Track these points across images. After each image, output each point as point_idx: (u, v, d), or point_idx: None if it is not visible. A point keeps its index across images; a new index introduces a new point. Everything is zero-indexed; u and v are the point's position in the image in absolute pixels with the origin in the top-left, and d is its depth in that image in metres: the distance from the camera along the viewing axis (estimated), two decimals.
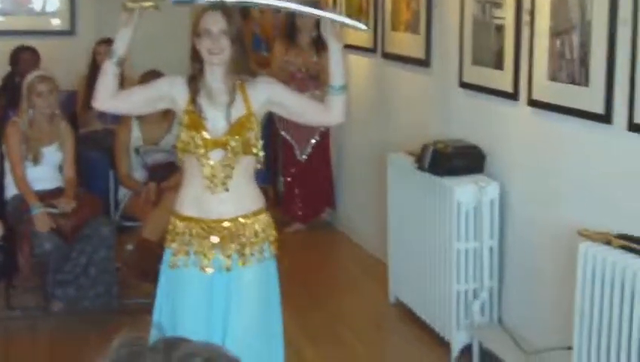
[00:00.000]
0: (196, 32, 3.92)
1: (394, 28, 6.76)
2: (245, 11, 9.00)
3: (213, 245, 3.92)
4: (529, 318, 5.09)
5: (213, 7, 3.91)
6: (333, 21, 3.94)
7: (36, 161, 6.06)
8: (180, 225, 3.97)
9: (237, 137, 3.87)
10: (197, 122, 3.90)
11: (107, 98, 3.91)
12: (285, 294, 6.25)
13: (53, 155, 6.15)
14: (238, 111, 3.91)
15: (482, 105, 5.51)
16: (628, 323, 3.82)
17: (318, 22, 7.52)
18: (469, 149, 5.48)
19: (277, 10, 8.57)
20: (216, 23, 3.88)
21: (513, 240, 5.24)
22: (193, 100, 3.92)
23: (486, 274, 5.27)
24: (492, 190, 5.22)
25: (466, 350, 5.32)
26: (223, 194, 3.90)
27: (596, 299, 4.01)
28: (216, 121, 3.90)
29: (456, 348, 5.34)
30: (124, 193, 6.65)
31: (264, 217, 4.02)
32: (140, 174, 6.60)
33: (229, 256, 3.91)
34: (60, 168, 6.22)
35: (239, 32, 3.94)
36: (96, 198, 6.36)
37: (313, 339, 5.71)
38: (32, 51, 8.03)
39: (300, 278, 6.72)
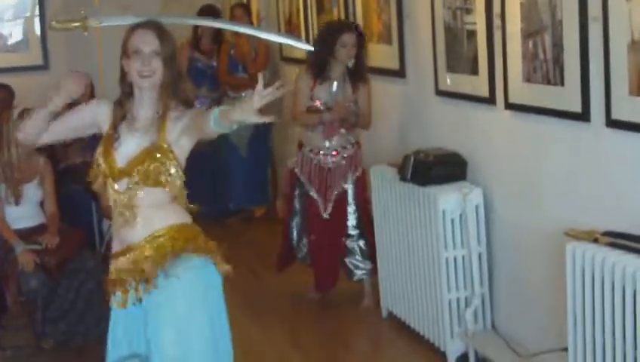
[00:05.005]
0: (125, 53, 3.67)
1: (366, 40, 6.72)
2: (219, 36, 8.99)
3: (129, 277, 3.70)
4: (522, 322, 5.07)
5: (144, 25, 3.69)
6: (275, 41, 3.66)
7: (17, 200, 6.02)
8: (112, 262, 3.80)
9: (139, 167, 3.62)
10: (108, 149, 3.69)
11: (33, 137, 3.75)
12: (279, 314, 6.23)
13: (33, 192, 6.12)
14: (150, 140, 3.65)
15: (460, 111, 5.50)
16: (621, 319, 3.80)
17: (360, 51, 6.23)
18: (450, 157, 5.46)
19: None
20: (147, 42, 3.62)
21: (501, 244, 5.21)
22: (114, 126, 3.71)
23: (476, 281, 5.25)
24: (476, 196, 5.20)
25: (462, 358, 5.30)
26: (132, 224, 3.68)
27: (587, 298, 3.99)
28: (128, 149, 3.67)
29: (451, 357, 5.31)
30: (108, 224, 6.61)
31: (181, 228, 3.72)
32: None
33: (146, 279, 3.66)
34: (41, 204, 6.18)
35: (173, 54, 3.69)
36: (80, 232, 6.33)
37: (308, 358, 5.68)
38: (7, 89, 7.97)
39: (291, 298, 6.70)
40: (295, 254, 6.69)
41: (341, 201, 6.39)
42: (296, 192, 6.54)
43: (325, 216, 6.38)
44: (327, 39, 6.25)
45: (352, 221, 6.42)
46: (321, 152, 6.35)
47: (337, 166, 6.34)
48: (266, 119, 3.39)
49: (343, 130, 6.32)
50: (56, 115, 3.69)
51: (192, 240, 3.74)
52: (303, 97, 6.34)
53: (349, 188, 6.37)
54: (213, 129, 3.46)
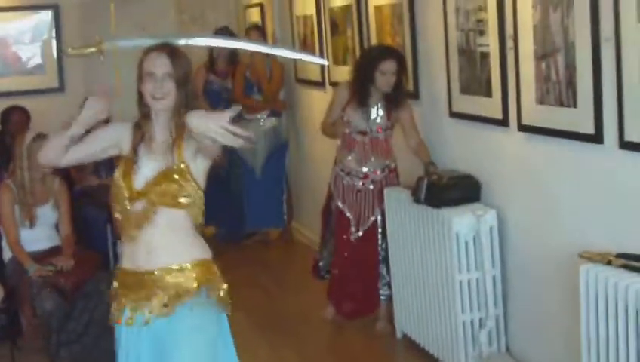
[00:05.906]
0: (140, 76, 3.70)
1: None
2: (234, 57, 9.04)
3: (142, 297, 3.70)
4: (537, 344, 5.04)
5: (157, 48, 3.71)
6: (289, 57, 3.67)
7: (32, 223, 6.03)
8: (120, 277, 3.80)
9: (155, 188, 3.65)
10: (127, 171, 3.72)
11: (53, 161, 3.80)
12: (293, 335, 6.20)
13: (48, 215, 6.13)
14: (167, 161, 3.67)
15: (473, 133, 5.50)
16: (635, 342, 3.77)
17: (399, 78, 6.00)
18: (463, 179, 5.45)
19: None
20: (159, 65, 3.65)
21: (515, 266, 5.20)
22: (134, 148, 3.73)
23: (490, 303, 5.23)
24: (490, 218, 5.19)
25: None
26: (147, 243, 3.68)
27: (601, 320, 3.97)
28: (147, 170, 3.69)
29: None
30: None
31: (204, 264, 3.76)
32: None
33: (164, 305, 3.68)
34: (56, 226, 6.19)
35: (186, 76, 3.70)
36: (95, 254, 6.34)
37: None
38: (23, 111, 8.04)
39: (305, 319, 6.69)
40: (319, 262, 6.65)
41: (372, 231, 6.25)
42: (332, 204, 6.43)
43: (354, 236, 6.25)
44: (366, 66, 6.06)
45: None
46: (351, 173, 6.24)
47: (365, 190, 6.22)
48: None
49: (373, 158, 6.18)
50: (76, 139, 3.72)
51: (212, 277, 3.76)
52: (335, 110, 6.27)
53: (378, 215, 6.20)
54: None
